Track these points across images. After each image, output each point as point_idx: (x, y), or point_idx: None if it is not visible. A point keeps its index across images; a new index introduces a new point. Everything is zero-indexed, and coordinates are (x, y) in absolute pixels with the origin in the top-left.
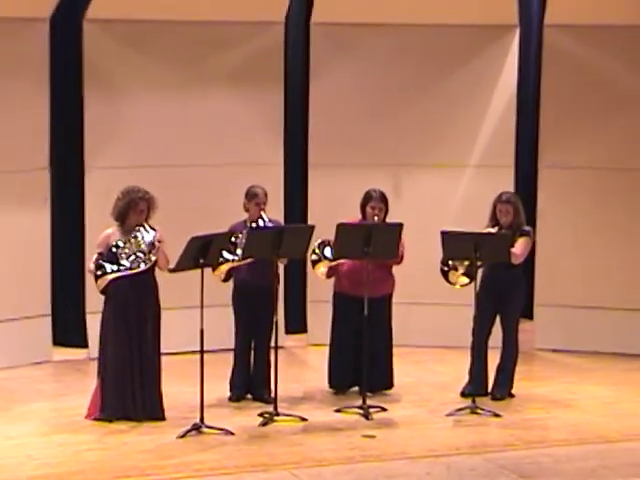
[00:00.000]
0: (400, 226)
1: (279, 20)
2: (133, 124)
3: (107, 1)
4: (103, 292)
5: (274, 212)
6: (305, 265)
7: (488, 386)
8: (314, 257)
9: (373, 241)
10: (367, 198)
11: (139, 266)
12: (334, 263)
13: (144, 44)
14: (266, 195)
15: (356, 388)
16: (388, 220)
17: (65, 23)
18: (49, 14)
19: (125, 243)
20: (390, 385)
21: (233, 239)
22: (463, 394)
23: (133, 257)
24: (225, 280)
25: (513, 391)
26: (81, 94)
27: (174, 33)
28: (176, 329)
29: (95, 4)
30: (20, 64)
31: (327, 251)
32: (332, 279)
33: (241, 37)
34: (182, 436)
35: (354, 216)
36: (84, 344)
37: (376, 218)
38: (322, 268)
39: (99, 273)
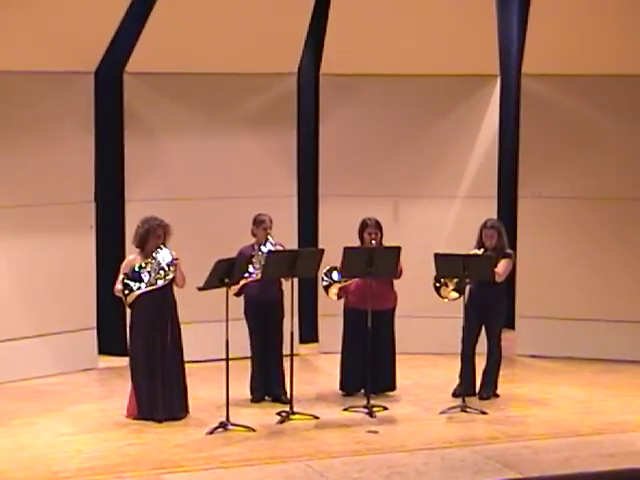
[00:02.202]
0: (398, 249)
1: (292, 71)
2: (166, 163)
3: (144, 57)
4: (130, 306)
5: (289, 238)
6: (317, 283)
7: (476, 387)
8: (325, 283)
9: (375, 262)
10: (364, 225)
11: (159, 282)
12: (343, 284)
13: (176, 93)
14: (271, 221)
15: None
16: (388, 243)
17: (108, 76)
18: (94, 68)
19: (146, 264)
20: (393, 387)
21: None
22: (454, 394)
23: (154, 275)
24: (237, 295)
25: (497, 392)
26: (122, 137)
27: (202, 83)
28: (202, 339)
29: (134, 60)
30: (70, 111)
31: (335, 275)
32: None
33: (259, 86)
34: (210, 432)
35: (358, 242)
36: (125, 353)
37: (373, 242)
38: (334, 289)
39: (126, 292)
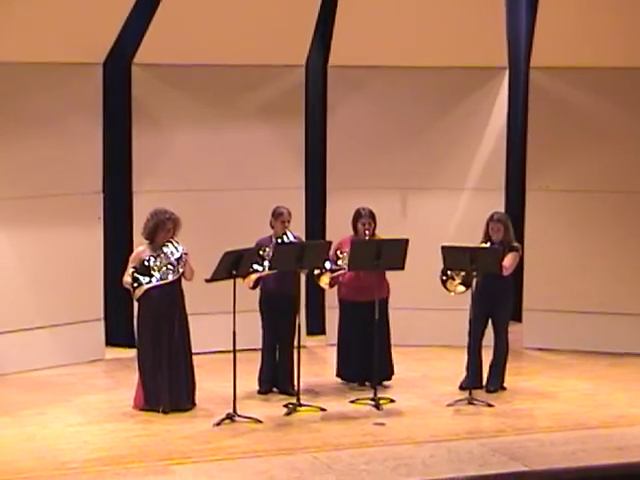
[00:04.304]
0: (406, 241)
1: (300, 64)
2: (174, 154)
3: (152, 48)
4: (138, 300)
5: (297, 229)
6: None
7: (483, 380)
8: (317, 271)
9: (383, 254)
10: (357, 216)
11: (168, 277)
12: (335, 274)
13: (184, 84)
14: (290, 214)
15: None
16: (396, 236)
17: (116, 67)
18: (103, 59)
19: (156, 258)
20: (390, 376)
21: (261, 252)
22: (461, 387)
23: (164, 269)
24: (253, 288)
25: (504, 384)
26: (130, 128)
27: (210, 75)
28: (211, 331)
29: (142, 51)
30: (78, 102)
31: (327, 264)
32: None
33: (268, 78)
34: (217, 424)
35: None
36: (132, 344)
37: (367, 232)
38: (325, 279)
39: (135, 285)
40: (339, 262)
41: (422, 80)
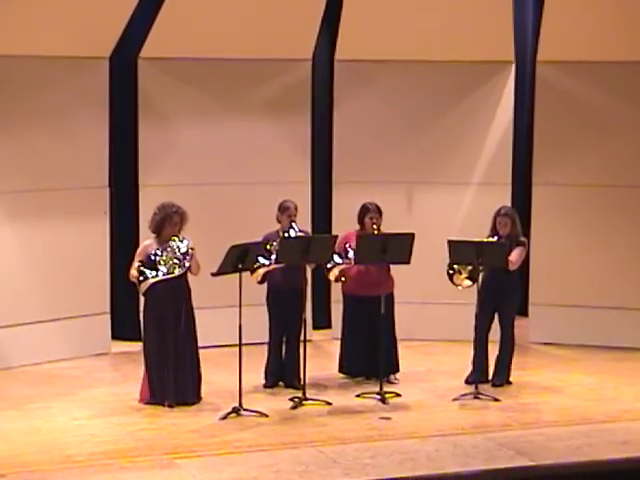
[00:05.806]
0: (412, 236)
1: (307, 57)
2: (180, 148)
3: (158, 42)
4: (144, 294)
5: (303, 223)
6: None
7: (489, 374)
8: (328, 265)
9: (389, 248)
10: (365, 210)
11: (175, 271)
12: (344, 267)
13: (190, 79)
14: (296, 208)
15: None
16: (402, 230)
17: (123, 61)
18: (109, 53)
19: (162, 252)
20: (397, 369)
21: (268, 246)
22: (467, 381)
23: (170, 264)
24: (261, 282)
25: (510, 379)
26: (136, 122)
27: (216, 69)
28: (217, 325)
29: (148, 45)
30: (84, 96)
31: (336, 258)
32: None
33: (274, 72)
34: (223, 418)
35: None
36: (138, 338)
37: (375, 227)
38: (335, 271)
39: (141, 278)
40: (349, 255)
41: (428, 74)
